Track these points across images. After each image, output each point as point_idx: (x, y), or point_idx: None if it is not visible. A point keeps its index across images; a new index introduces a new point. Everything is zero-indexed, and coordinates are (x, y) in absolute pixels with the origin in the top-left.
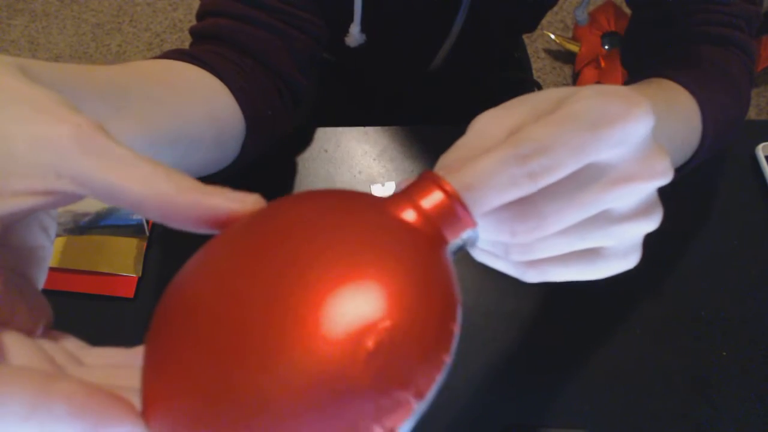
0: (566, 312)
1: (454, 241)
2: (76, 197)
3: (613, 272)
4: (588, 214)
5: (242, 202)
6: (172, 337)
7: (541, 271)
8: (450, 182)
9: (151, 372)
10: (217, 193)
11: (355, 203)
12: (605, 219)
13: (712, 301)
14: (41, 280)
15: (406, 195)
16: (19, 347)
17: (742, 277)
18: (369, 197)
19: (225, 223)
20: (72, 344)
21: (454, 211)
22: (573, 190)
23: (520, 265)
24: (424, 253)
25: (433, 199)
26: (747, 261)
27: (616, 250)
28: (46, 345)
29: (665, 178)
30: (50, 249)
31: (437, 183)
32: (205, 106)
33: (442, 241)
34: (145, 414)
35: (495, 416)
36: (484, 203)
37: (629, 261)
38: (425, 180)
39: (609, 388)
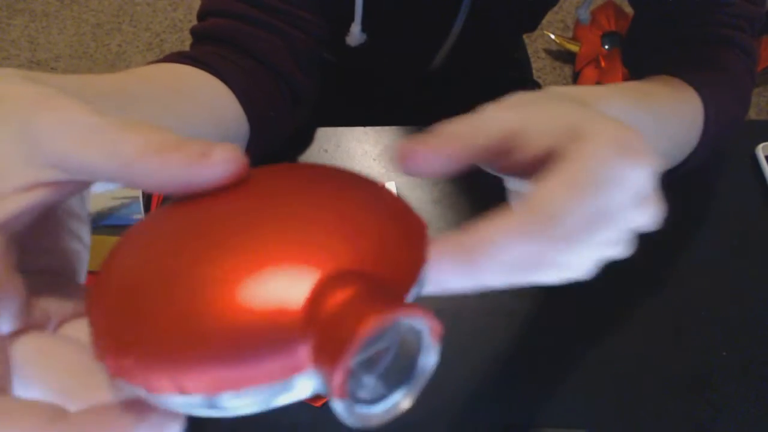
0: (566, 312)
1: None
2: (79, 185)
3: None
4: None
5: (203, 158)
6: (114, 298)
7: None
8: (450, 248)
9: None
10: (180, 147)
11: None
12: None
13: (712, 301)
14: (81, 277)
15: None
16: (33, 363)
17: (742, 277)
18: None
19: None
20: None
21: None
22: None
23: None
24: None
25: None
26: (747, 261)
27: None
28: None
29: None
30: (83, 250)
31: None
32: (210, 110)
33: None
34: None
35: (495, 416)
36: (483, 277)
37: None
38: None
39: (609, 388)
